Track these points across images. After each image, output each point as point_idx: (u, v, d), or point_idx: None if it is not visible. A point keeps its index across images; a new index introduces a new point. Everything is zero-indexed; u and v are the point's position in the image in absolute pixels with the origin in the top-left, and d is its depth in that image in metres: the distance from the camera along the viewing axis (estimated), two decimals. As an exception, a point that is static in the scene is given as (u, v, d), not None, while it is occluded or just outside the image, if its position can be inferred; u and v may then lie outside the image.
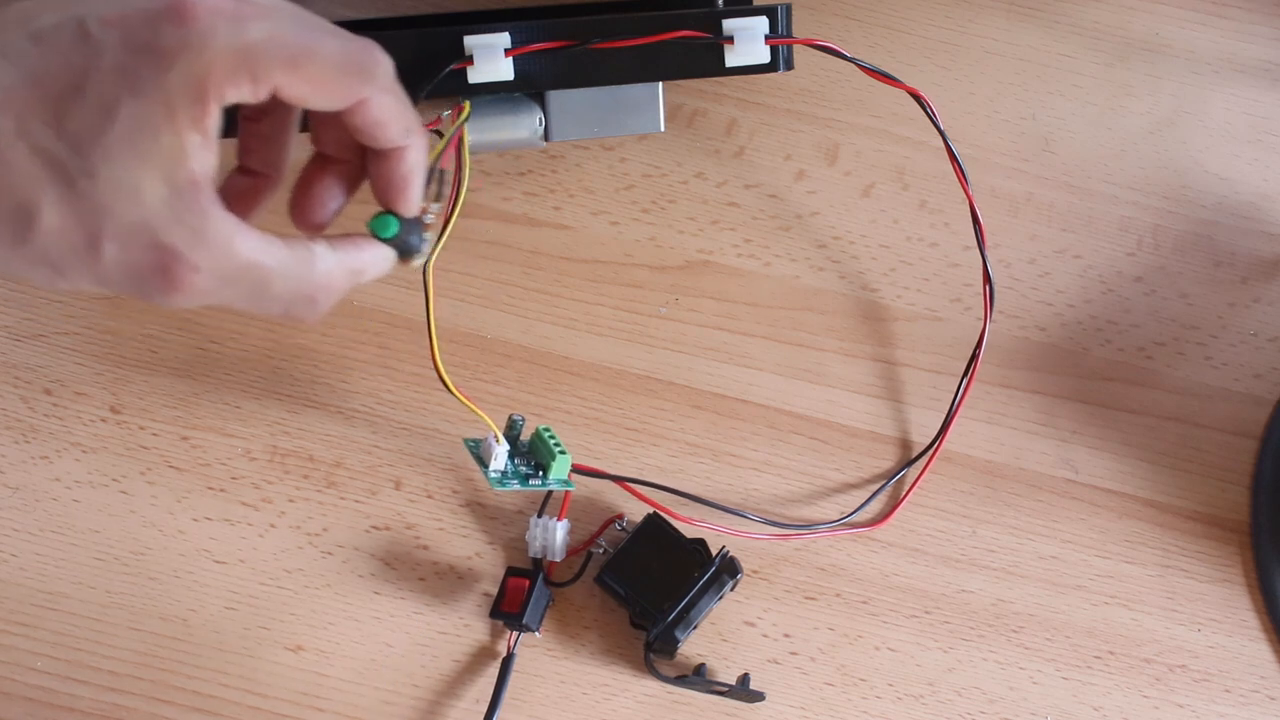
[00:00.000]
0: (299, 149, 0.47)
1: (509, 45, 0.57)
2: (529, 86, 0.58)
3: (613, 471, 0.61)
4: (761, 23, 0.57)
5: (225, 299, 0.43)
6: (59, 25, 0.40)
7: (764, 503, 0.62)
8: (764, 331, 0.64)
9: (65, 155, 0.40)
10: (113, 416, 0.62)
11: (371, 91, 0.43)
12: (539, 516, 0.61)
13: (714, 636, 0.60)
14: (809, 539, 0.62)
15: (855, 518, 0.62)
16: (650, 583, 0.59)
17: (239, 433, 0.62)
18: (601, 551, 0.61)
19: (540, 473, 0.58)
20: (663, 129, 0.60)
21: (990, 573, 0.62)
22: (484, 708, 0.58)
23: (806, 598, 0.61)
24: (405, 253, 0.47)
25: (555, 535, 0.60)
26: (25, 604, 0.60)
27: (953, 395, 0.63)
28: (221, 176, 0.46)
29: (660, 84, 0.60)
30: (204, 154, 0.40)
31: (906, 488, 0.63)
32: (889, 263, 0.65)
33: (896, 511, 0.62)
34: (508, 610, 0.58)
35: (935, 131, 0.61)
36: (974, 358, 0.63)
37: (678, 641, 0.58)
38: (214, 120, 0.40)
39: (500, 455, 0.57)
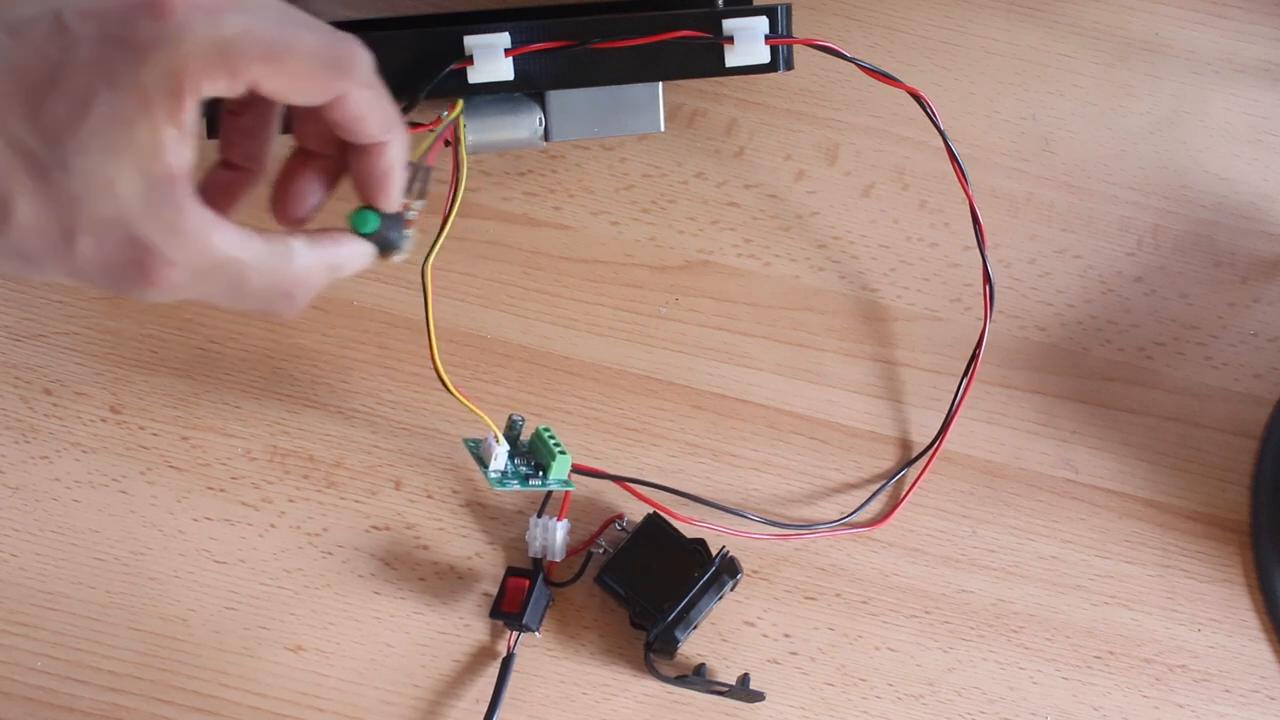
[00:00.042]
0: (281, 144, 0.47)
1: (509, 45, 0.57)
2: (529, 86, 0.58)
3: (613, 471, 0.61)
4: (761, 23, 0.57)
5: (201, 294, 0.43)
6: (35, 18, 0.40)
7: (764, 503, 0.62)
8: (764, 331, 0.64)
9: (40, 148, 0.40)
10: (113, 416, 0.62)
11: (350, 86, 0.43)
12: (539, 516, 0.61)
13: (714, 636, 0.60)
14: (809, 539, 0.62)
15: (855, 518, 0.62)
16: (650, 583, 0.59)
17: (239, 433, 0.62)
18: (601, 551, 0.61)
19: (540, 473, 0.58)
20: (663, 129, 0.60)
21: (990, 573, 0.62)
22: (484, 708, 0.58)
23: (806, 598, 0.61)
24: (385, 248, 0.47)
25: (555, 535, 0.60)
26: (25, 604, 0.60)
27: (953, 395, 0.63)
28: (205, 171, 0.46)
29: (660, 84, 0.60)
30: (180, 148, 0.40)
31: (906, 488, 0.63)
32: (889, 263, 0.65)
33: (896, 511, 0.62)
34: (508, 610, 0.58)
35: (935, 131, 0.61)
36: (974, 358, 0.63)
37: (678, 641, 0.58)
38: (190, 114, 0.40)
39: (500, 455, 0.57)
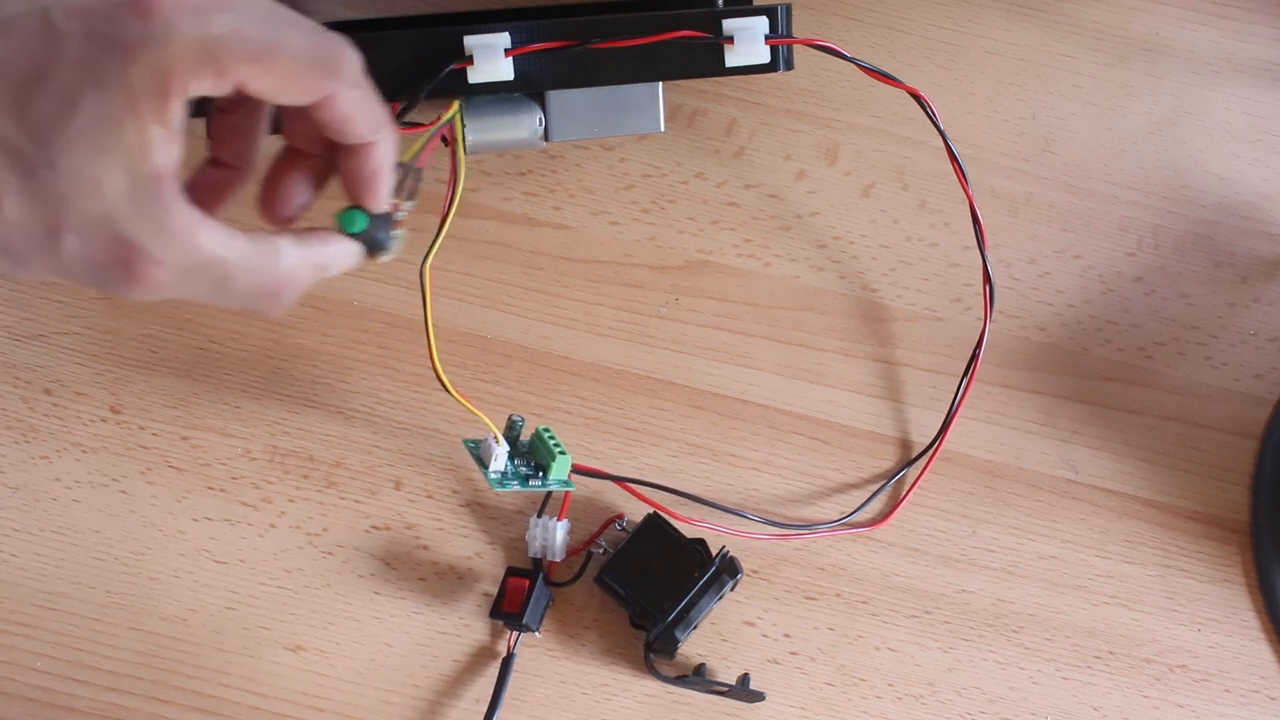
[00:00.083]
0: (270, 142, 0.47)
1: (509, 45, 0.57)
2: (529, 86, 0.58)
3: (613, 471, 0.61)
4: (761, 23, 0.57)
5: (187, 292, 0.43)
6: (23, 15, 0.40)
7: (764, 503, 0.62)
8: (764, 331, 0.64)
9: (26, 145, 0.40)
10: (113, 416, 0.62)
11: (338, 87, 0.43)
12: (539, 516, 0.61)
13: (714, 636, 0.60)
14: (809, 539, 0.62)
15: (855, 518, 0.62)
16: (650, 583, 0.59)
17: (239, 433, 0.62)
18: (601, 551, 0.61)
19: (540, 473, 0.58)
20: (663, 129, 0.60)
21: (990, 573, 0.62)
22: (484, 708, 0.58)
23: (806, 598, 0.61)
24: (373, 248, 0.47)
25: (555, 535, 0.60)
26: (25, 604, 0.60)
27: (953, 395, 0.63)
28: (193, 169, 0.46)
29: (660, 84, 0.60)
30: (167, 147, 0.40)
31: (906, 488, 0.63)
32: (889, 263, 0.65)
33: (896, 511, 0.62)
34: (508, 610, 0.58)
35: (935, 131, 0.61)
36: (974, 358, 0.63)
37: (678, 641, 0.58)
38: (177, 113, 0.40)
39: (500, 456, 0.57)
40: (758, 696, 0.59)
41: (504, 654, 0.59)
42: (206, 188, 0.46)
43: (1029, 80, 0.68)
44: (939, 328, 0.65)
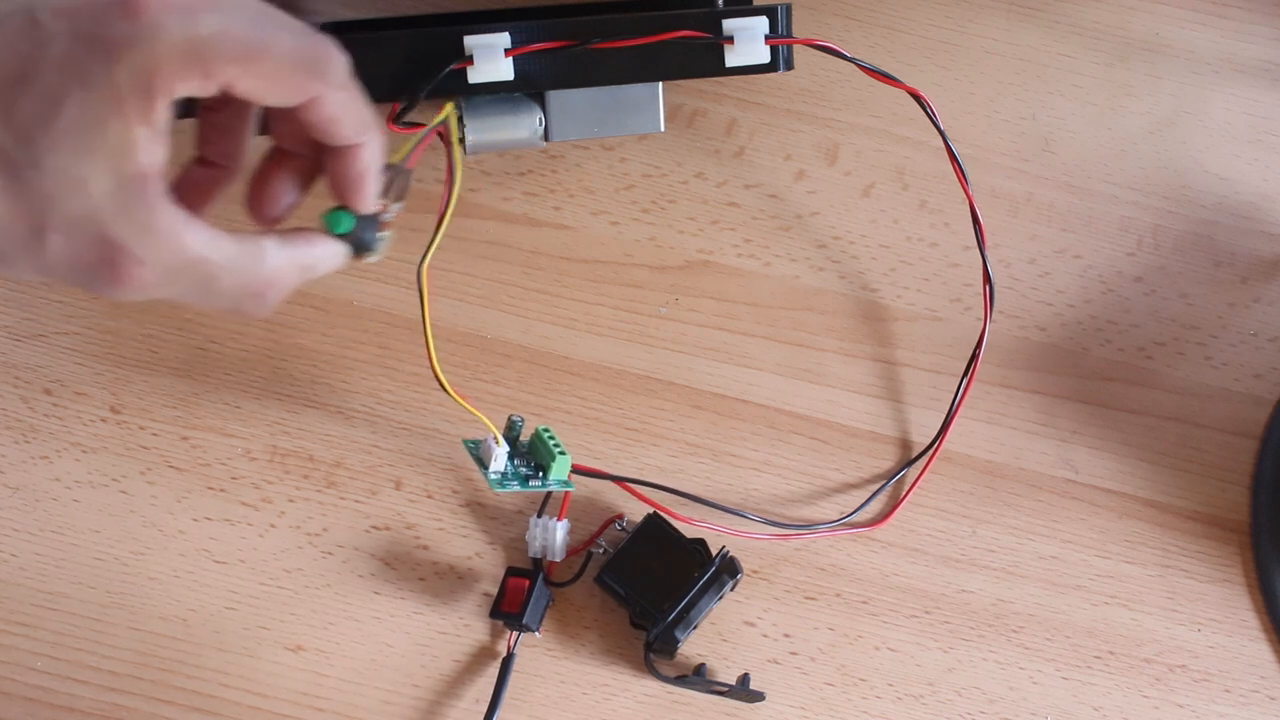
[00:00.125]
0: (259, 141, 0.47)
1: (509, 45, 0.57)
2: (529, 86, 0.58)
3: (613, 471, 0.61)
4: (761, 23, 0.57)
5: (172, 293, 0.43)
6: (9, 14, 0.40)
7: (764, 503, 0.62)
8: (764, 331, 0.64)
9: (11, 145, 0.40)
10: (113, 416, 0.62)
11: (324, 89, 0.43)
12: (539, 516, 0.61)
13: (714, 636, 0.60)
14: (809, 539, 0.62)
15: (855, 518, 0.62)
16: (650, 583, 0.59)
17: (239, 433, 0.62)
18: (601, 551, 0.61)
19: (540, 473, 0.58)
20: (663, 129, 0.60)
21: (990, 573, 0.62)
22: (484, 708, 0.58)
23: (806, 598, 0.61)
24: (359, 249, 0.47)
25: (555, 535, 0.60)
26: (25, 604, 0.60)
27: (953, 395, 0.63)
28: (181, 167, 0.46)
29: (660, 84, 0.60)
30: (153, 147, 0.40)
31: (906, 488, 0.63)
32: (889, 263, 0.65)
33: (896, 511, 0.62)
34: (508, 610, 0.58)
35: (935, 131, 0.61)
36: (974, 358, 0.63)
37: (678, 641, 0.58)
38: (163, 114, 0.40)
39: (500, 456, 0.57)
40: (758, 696, 0.59)
41: (504, 654, 0.59)
42: (193, 186, 0.46)
43: (1029, 80, 0.68)
44: (939, 328, 0.65)
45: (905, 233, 0.66)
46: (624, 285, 0.65)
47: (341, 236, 0.47)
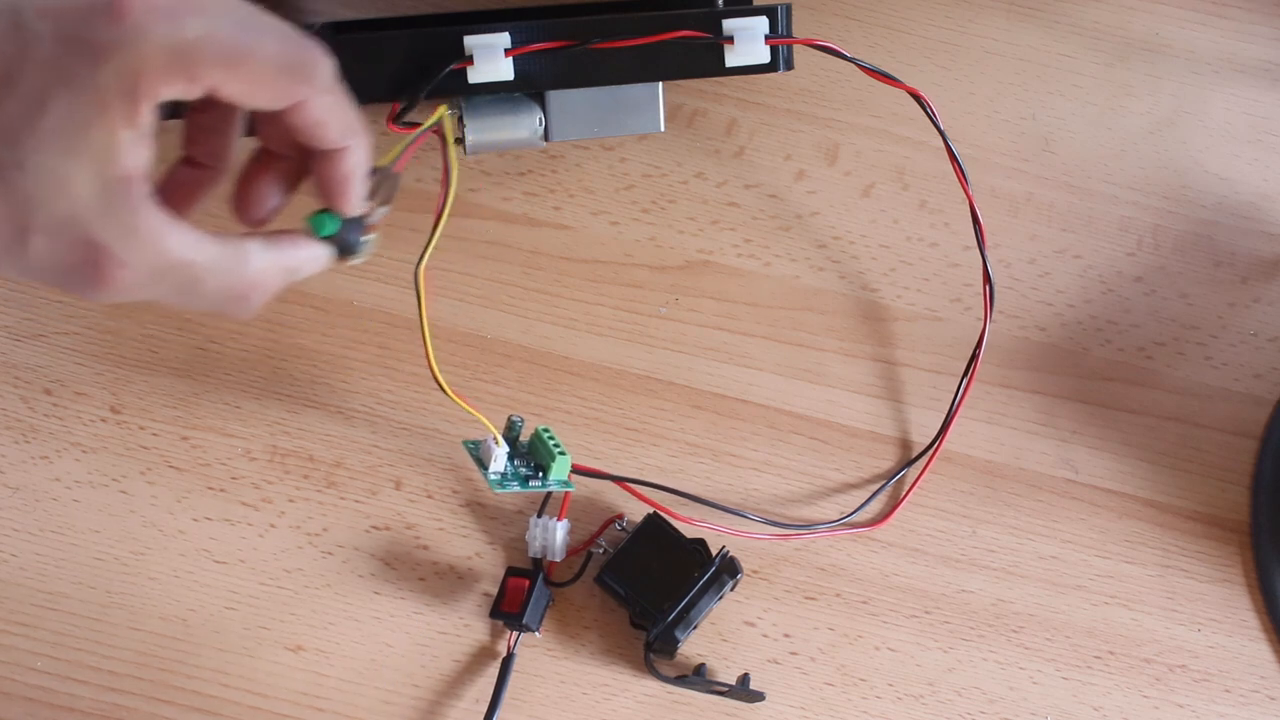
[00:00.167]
0: (245, 142, 0.47)
1: (509, 45, 0.57)
2: (529, 86, 0.58)
3: (613, 471, 0.61)
4: (761, 23, 0.57)
5: (155, 295, 0.43)
6: None
7: (764, 503, 0.62)
8: (764, 331, 0.64)
9: None
10: (113, 416, 0.62)
11: (310, 93, 0.43)
12: (539, 516, 0.61)
13: (714, 636, 0.60)
14: (809, 539, 0.62)
15: (855, 518, 0.62)
16: (650, 583, 0.59)
17: (239, 433, 0.62)
18: (601, 551, 0.61)
19: (540, 474, 0.58)
20: (663, 129, 0.60)
21: (990, 573, 0.62)
22: (484, 708, 0.58)
23: (806, 598, 0.61)
24: (344, 251, 0.47)
25: (555, 535, 0.60)
26: (25, 604, 0.60)
27: (953, 395, 0.63)
28: (167, 167, 0.46)
29: (660, 84, 0.60)
30: (137, 149, 0.40)
31: (906, 488, 0.63)
32: (889, 263, 0.65)
33: (896, 511, 0.62)
34: (508, 610, 0.58)
35: (935, 131, 0.61)
36: (974, 358, 0.63)
37: (678, 641, 0.58)
38: (147, 116, 0.40)
39: (500, 457, 0.57)
40: (758, 696, 0.59)
41: (504, 654, 0.59)
42: (180, 186, 0.46)
43: (1029, 80, 0.68)
44: (939, 328, 0.65)
45: (905, 233, 0.66)
46: (624, 285, 0.65)
47: (326, 239, 0.47)
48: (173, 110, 0.42)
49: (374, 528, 0.61)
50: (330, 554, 0.61)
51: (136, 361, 0.63)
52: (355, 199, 0.46)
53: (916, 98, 0.61)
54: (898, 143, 0.67)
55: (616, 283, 0.65)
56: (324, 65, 0.43)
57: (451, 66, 0.56)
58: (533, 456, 0.58)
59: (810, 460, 0.63)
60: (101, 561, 0.61)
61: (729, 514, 0.61)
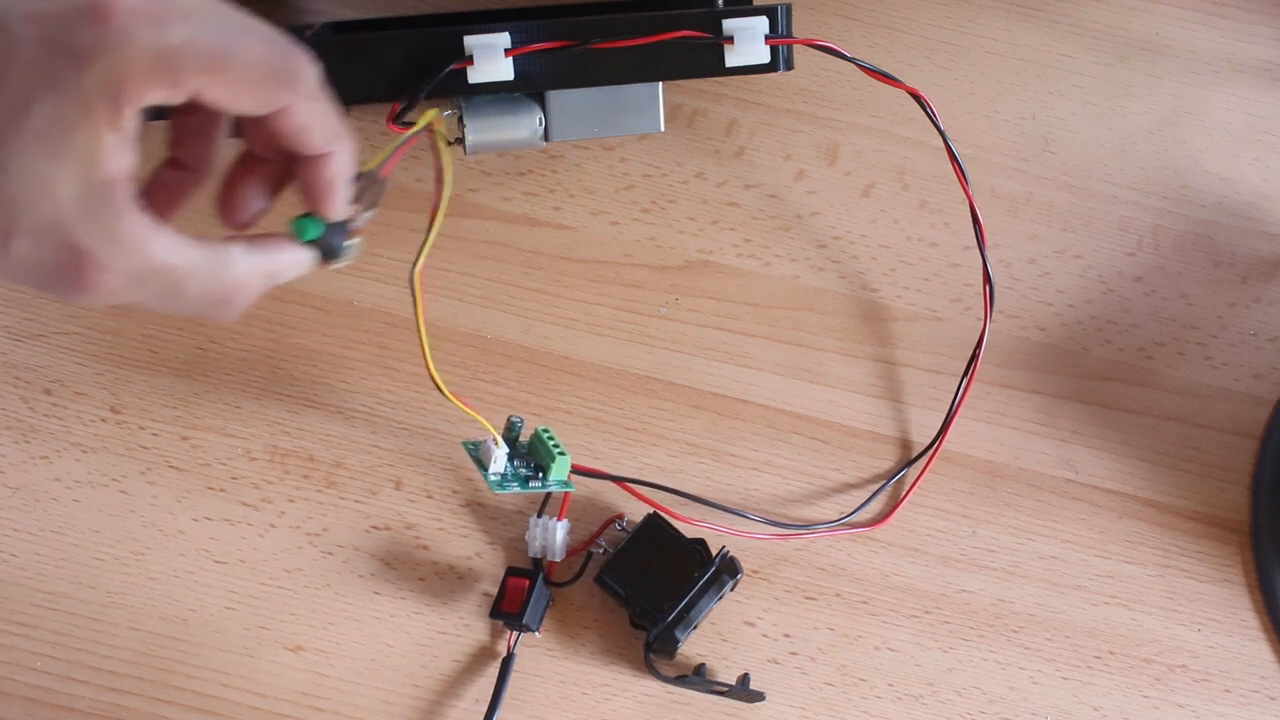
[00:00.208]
0: (231, 145, 0.47)
1: (509, 45, 0.57)
2: (529, 86, 0.58)
3: (613, 471, 0.61)
4: (761, 23, 0.57)
5: (137, 298, 0.43)
6: None
7: (764, 503, 0.62)
8: (764, 331, 0.64)
9: None
10: (113, 416, 0.62)
11: (294, 98, 0.43)
12: (539, 516, 0.61)
13: (714, 636, 0.60)
14: (809, 539, 0.62)
15: (855, 518, 0.62)
16: (650, 583, 0.59)
17: (239, 433, 0.62)
18: (601, 551, 0.61)
19: (540, 474, 0.58)
20: (663, 129, 0.60)
21: (990, 573, 0.62)
22: (484, 708, 0.58)
23: (806, 598, 0.61)
24: (327, 255, 0.47)
25: (555, 535, 0.60)
26: (25, 604, 0.60)
27: (953, 395, 0.63)
28: (152, 168, 0.46)
29: (660, 84, 0.60)
30: (120, 153, 0.40)
31: (906, 488, 0.63)
32: (889, 263, 0.65)
33: (896, 511, 0.62)
34: (508, 610, 0.58)
35: (935, 131, 0.61)
36: (974, 358, 0.63)
37: (678, 641, 0.58)
38: (131, 121, 0.40)
39: (499, 458, 0.57)
40: (758, 696, 0.59)
41: (504, 654, 0.59)
42: (164, 188, 0.46)
43: (1029, 80, 0.68)
44: (939, 328, 0.65)
45: (905, 233, 0.66)
46: (624, 285, 0.65)
47: (309, 243, 0.47)
48: (159, 111, 0.42)
49: (374, 528, 0.61)
50: (330, 554, 0.61)
51: (136, 361, 0.63)
52: (339, 204, 0.46)
53: (916, 98, 0.61)
54: (898, 143, 0.67)
55: (616, 283, 0.65)
56: (308, 71, 0.43)
57: (451, 66, 0.56)
58: (532, 457, 0.58)
59: (810, 460, 0.63)
60: (101, 561, 0.61)
61: (729, 514, 0.61)
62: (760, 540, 0.61)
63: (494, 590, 0.60)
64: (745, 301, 0.65)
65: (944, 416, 0.63)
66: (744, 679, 0.59)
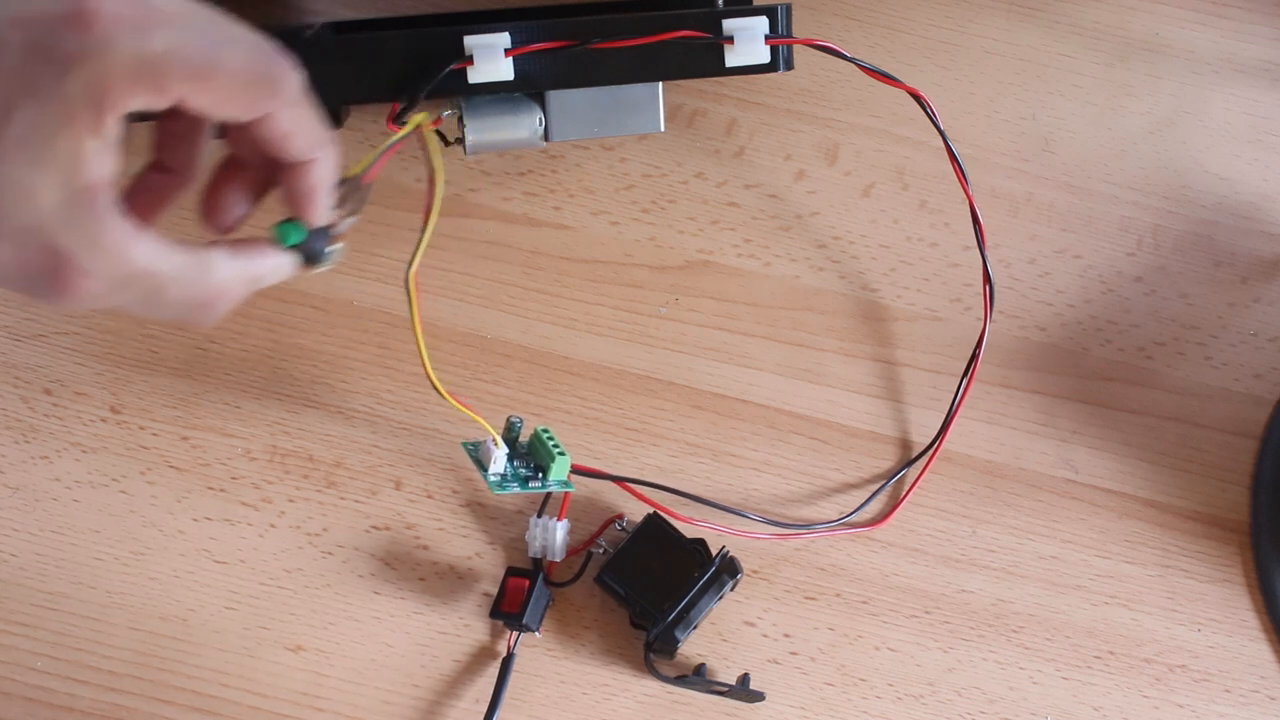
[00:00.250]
0: (215, 148, 0.47)
1: (509, 45, 0.57)
2: (529, 86, 0.58)
3: (613, 471, 0.61)
4: (761, 23, 0.57)
5: (119, 303, 0.43)
6: None
7: (764, 503, 0.62)
8: (764, 331, 0.64)
9: None
10: (113, 416, 0.62)
11: (277, 106, 0.43)
12: (539, 516, 0.61)
13: (714, 636, 0.60)
14: (809, 539, 0.62)
15: (855, 518, 0.62)
16: (650, 583, 0.59)
17: (239, 433, 0.62)
18: (601, 551, 0.61)
19: (540, 474, 0.58)
20: (663, 129, 0.60)
21: (990, 573, 0.62)
22: (484, 708, 0.58)
23: (806, 598, 0.61)
24: (310, 260, 0.47)
25: (555, 535, 0.60)
26: (25, 604, 0.60)
27: (953, 395, 0.63)
28: (137, 171, 0.46)
29: (660, 84, 0.60)
30: (103, 159, 0.40)
31: (906, 488, 0.63)
32: (889, 263, 0.65)
33: (896, 511, 0.62)
34: (508, 610, 0.58)
35: (935, 131, 0.61)
36: (974, 358, 0.63)
37: (678, 641, 0.58)
38: (113, 127, 0.40)
39: (499, 458, 0.57)
40: (758, 696, 0.59)
41: (504, 654, 0.59)
42: (147, 191, 0.46)
43: (1029, 80, 0.68)
44: (939, 328, 0.65)
45: (905, 233, 0.66)
46: (624, 285, 0.65)
47: (292, 247, 0.47)
48: (143, 113, 0.42)
49: (374, 528, 0.61)
50: (330, 554, 0.61)
51: (136, 361, 0.63)
52: (321, 210, 0.47)
53: (916, 98, 0.61)
54: (898, 143, 0.67)
55: (616, 283, 0.65)
56: (292, 78, 0.43)
57: (451, 66, 0.56)
58: (532, 457, 0.58)
59: (810, 460, 0.63)
60: (101, 561, 0.61)
61: (729, 514, 0.61)
62: (760, 540, 0.61)
63: (494, 590, 0.60)
64: (745, 301, 0.65)
65: (944, 416, 0.63)
66: (744, 679, 0.59)
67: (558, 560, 0.60)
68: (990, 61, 0.68)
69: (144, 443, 0.62)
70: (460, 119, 0.58)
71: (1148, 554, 0.62)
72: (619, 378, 0.64)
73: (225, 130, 0.46)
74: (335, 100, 0.58)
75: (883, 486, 0.62)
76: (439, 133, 0.58)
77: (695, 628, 0.59)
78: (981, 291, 0.63)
